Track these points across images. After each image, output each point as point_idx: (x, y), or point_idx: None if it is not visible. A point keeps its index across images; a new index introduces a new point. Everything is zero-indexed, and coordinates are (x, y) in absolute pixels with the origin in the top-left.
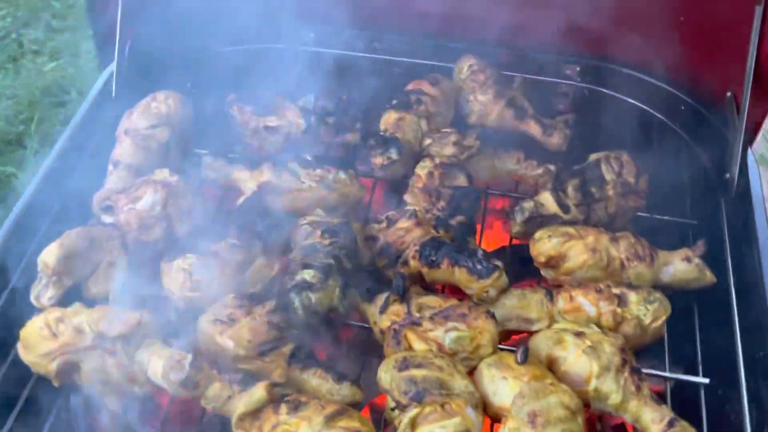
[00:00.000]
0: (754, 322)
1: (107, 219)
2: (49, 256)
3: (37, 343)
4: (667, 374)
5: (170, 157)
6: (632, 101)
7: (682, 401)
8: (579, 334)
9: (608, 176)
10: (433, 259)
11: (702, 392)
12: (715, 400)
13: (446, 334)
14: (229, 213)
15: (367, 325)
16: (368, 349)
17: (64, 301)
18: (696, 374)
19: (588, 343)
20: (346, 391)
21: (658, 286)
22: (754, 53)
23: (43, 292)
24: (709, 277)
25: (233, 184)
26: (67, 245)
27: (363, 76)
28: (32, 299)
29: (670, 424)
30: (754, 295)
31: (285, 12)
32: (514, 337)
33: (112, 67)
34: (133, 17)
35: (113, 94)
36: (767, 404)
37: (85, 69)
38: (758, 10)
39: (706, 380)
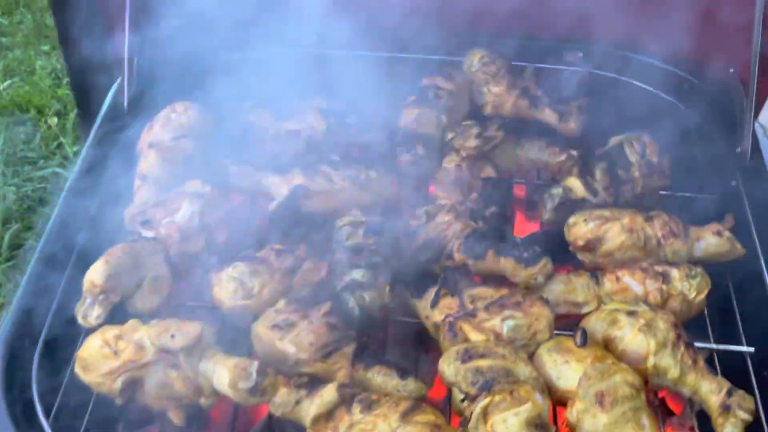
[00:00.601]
0: None
1: (147, 233)
2: (96, 274)
3: (98, 362)
4: (713, 346)
5: (195, 168)
6: (638, 84)
7: (729, 371)
8: (632, 314)
9: (632, 158)
10: (478, 250)
11: (748, 361)
12: (761, 367)
13: (503, 323)
14: (265, 219)
15: (416, 321)
16: (416, 344)
17: (111, 319)
18: (740, 344)
19: (642, 321)
20: (411, 386)
21: (691, 261)
22: (759, 31)
23: (89, 312)
24: (740, 249)
25: (263, 191)
26: (113, 262)
27: (372, 74)
28: (79, 319)
29: (729, 393)
30: None
31: (284, 15)
32: (562, 318)
33: (122, 82)
34: (140, 30)
35: (125, 109)
36: None
37: (42, 86)
38: None
39: (751, 349)
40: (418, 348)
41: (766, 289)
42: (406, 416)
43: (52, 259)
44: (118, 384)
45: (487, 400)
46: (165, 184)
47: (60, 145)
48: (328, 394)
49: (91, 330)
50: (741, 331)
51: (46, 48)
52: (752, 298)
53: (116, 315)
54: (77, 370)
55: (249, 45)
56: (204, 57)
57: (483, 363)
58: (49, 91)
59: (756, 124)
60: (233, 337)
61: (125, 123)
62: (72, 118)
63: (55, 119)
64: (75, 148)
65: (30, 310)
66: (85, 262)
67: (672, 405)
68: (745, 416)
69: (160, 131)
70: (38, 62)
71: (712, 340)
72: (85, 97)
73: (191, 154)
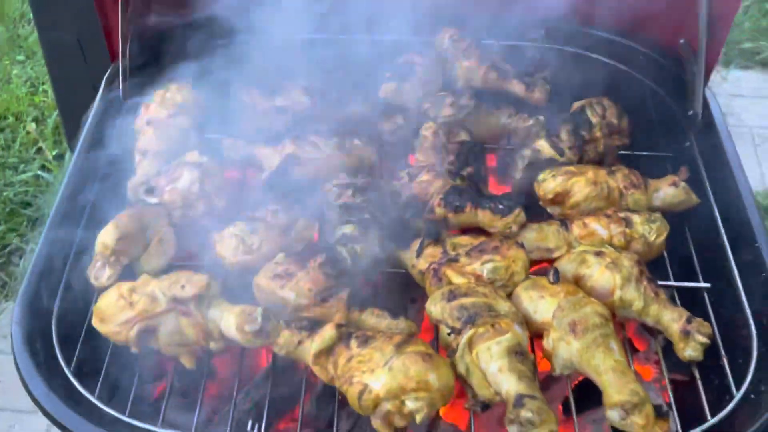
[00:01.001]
0: (737, 231)
1: (152, 200)
2: (107, 236)
3: (115, 313)
4: (673, 283)
5: (190, 143)
6: (596, 56)
7: (687, 306)
8: (599, 254)
9: (594, 119)
10: (458, 204)
11: (705, 296)
12: (716, 301)
13: (483, 266)
14: (259, 185)
15: (402, 271)
16: (403, 293)
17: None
18: (697, 281)
19: (608, 259)
20: (402, 325)
21: (651, 210)
22: (705, 4)
23: (101, 273)
24: (694, 198)
25: (255, 162)
26: (122, 226)
27: (350, 56)
28: (92, 280)
29: (688, 321)
30: (734, 209)
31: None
32: (538, 267)
33: (116, 67)
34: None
35: (121, 94)
36: (762, 298)
37: (18, 94)
38: None
39: (708, 284)
40: (404, 297)
41: (720, 233)
42: (399, 347)
43: (63, 226)
44: (134, 332)
45: (472, 332)
46: (164, 157)
47: (39, 150)
48: (328, 331)
49: (103, 290)
50: (698, 270)
51: (20, 58)
52: (707, 241)
53: (125, 276)
54: (94, 322)
55: (234, 32)
56: (194, 43)
57: (466, 301)
58: (26, 98)
59: (705, 89)
60: (235, 291)
61: (121, 105)
62: (50, 123)
63: (34, 125)
64: (55, 152)
65: (46, 273)
66: (92, 231)
67: (637, 344)
68: (704, 339)
69: (157, 110)
70: (14, 71)
71: (672, 278)
72: (68, 100)
73: (186, 129)
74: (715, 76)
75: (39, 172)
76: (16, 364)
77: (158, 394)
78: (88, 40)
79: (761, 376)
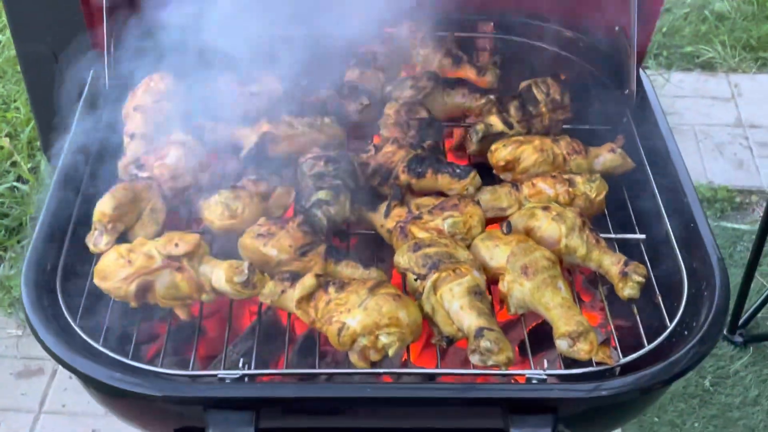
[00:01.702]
0: (669, 188)
1: (143, 174)
2: (105, 205)
3: (115, 270)
4: (612, 235)
5: (173, 126)
6: (540, 44)
7: (626, 255)
8: (546, 208)
9: (539, 96)
10: (420, 170)
11: (642, 246)
12: (651, 250)
13: (444, 221)
14: (239, 160)
15: (371, 232)
16: (371, 252)
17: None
18: (634, 233)
19: (554, 213)
20: (374, 274)
21: (592, 173)
22: None
23: (99, 240)
24: (630, 163)
25: (234, 142)
26: (117, 196)
27: (317, 49)
28: (91, 247)
29: (626, 264)
30: (665, 170)
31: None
32: (493, 226)
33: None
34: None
35: (106, 86)
36: (691, 246)
37: None
38: None
39: (643, 236)
40: (373, 257)
41: (654, 193)
42: (372, 290)
43: (61, 202)
44: (132, 287)
45: (436, 276)
46: (150, 139)
47: (14, 164)
48: (308, 280)
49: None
50: (634, 223)
51: None
52: (642, 200)
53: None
54: (96, 280)
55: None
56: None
57: (430, 250)
58: None
59: (639, 70)
60: (220, 253)
61: (106, 97)
62: (24, 138)
63: (7, 140)
64: (29, 165)
65: (49, 240)
66: (87, 206)
67: (583, 296)
68: (640, 279)
69: (142, 96)
70: None
71: (612, 232)
72: (44, 111)
73: (170, 114)
74: (658, 79)
75: (15, 184)
76: (28, 321)
77: (154, 352)
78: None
79: (690, 311)
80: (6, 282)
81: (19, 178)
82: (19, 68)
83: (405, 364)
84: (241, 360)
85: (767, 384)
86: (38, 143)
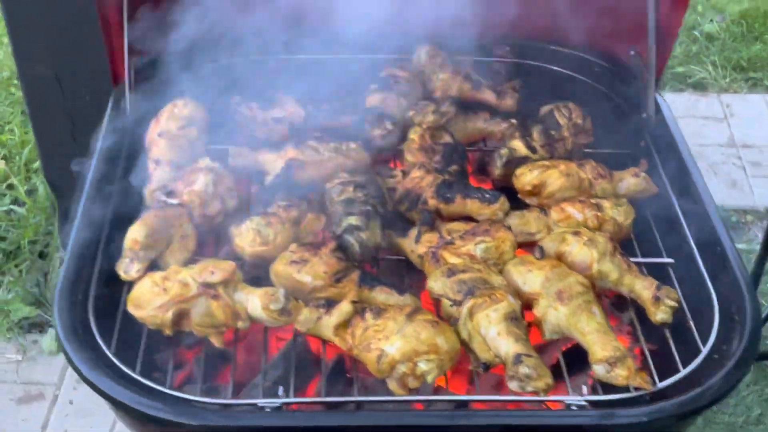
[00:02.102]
0: (693, 212)
1: (173, 201)
2: (137, 233)
3: (150, 298)
4: (641, 260)
5: (198, 152)
6: (557, 68)
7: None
8: (576, 233)
9: (562, 120)
10: (449, 195)
11: (670, 270)
12: (680, 274)
13: (476, 247)
14: (266, 186)
15: (401, 257)
16: (401, 276)
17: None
18: (661, 257)
19: (586, 237)
20: (408, 299)
21: (617, 198)
22: (654, 16)
23: (130, 267)
24: (654, 187)
25: (259, 167)
26: (149, 223)
27: (335, 73)
28: (121, 274)
29: (658, 288)
30: (688, 194)
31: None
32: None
33: (122, 88)
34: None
35: (127, 111)
36: (719, 269)
37: None
38: None
39: (671, 260)
40: (402, 281)
41: (678, 216)
42: (410, 316)
43: (89, 229)
44: (168, 315)
45: (472, 302)
46: (176, 165)
47: (11, 186)
48: (345, 306)
49: (133, 283)
50: (662, 248)
51: None
52: (667, 224)
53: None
54: (130, 308)
55: (224, 53)
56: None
57: (465, 276)
58: None
59: (656, 93)
60: (250, 280)
61: (127, 123)
62: (19, 161)
63: (3, 162)
64: (26, 187)
65: (79, 270)
66: (117, 232)
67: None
68: (672, 303)
69: (166, 123)
70: None
71: (639, 256)
72: (46, 134)
73: (194, 140)
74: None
75: (11, 207)
76: (65, 352)
77: (183, 378)
78: (67, 75)
79: (722, 335)
80: (4, 306)
81: (15, 201)
82: (11, 90)
83: (437, 390)
84: (280, 389)
85: None
86: (34, 165)
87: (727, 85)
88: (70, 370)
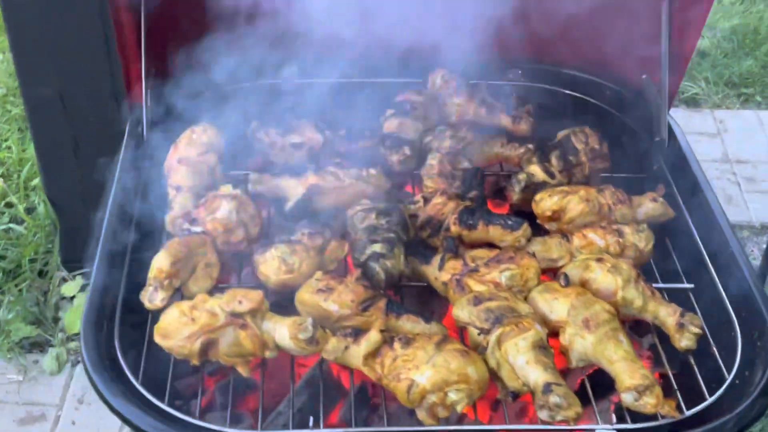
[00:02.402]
0: (711, 236)
1: (196, 229)
2: (162, 262)
3: (178, 328)
4: (661, 285)
5: (218, 178)
6: (568, 92)
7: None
8: (600, 260)
9: (579, 146)
10: (471, 222)
11: (691, 295)
12: (700, 299)
13: (501, 274)
14: (286, 212)
15: (423, 284)
16: (424, 303)
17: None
18: (682, 283)
19: (609, 264)
20: (435, 328)
21: (637, 223)
22: (666, 41)
23: (154, 296)
24: (671, 212)
25: (280, 193)
26: (173, 252)
27: (349, 97)
28: (146, 303)
29: (682, 315)
30: (705, 218)
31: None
32: (545, 277)
33: (139, 113)
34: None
35: (144, 137)
36: (739, 295)
37: None
38: (665, 6)
39: (691, 285)
40: (425, 308)
41: (696, 241)
42: (439, 346)
43: (111, 258)
44: (197, 345)
45: (500, 330)
46: (196, 191)
47: (9, 204)
48: (374, 335)
49: (157, 312)
50: (681, 273)
51: None
52: (685, 248)
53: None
54: (157, 339)
55: (237, 79)
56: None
57: (491, 304)
58: None
59: (668, 117)
60: (273, 308)
61: (145, 148)
62: (17, 179)
63: (1, 180)
64: (25, 205)
65: (102, 299)
66: (138, 260)
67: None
68: (697, 330)
69: (185, 149)
70: None
71: (660, 281)
72: (49, 153)
73: (213, 166)
74: None
75: (11, 225)
76: (93, 383)
77: (204, 407)
78: (70, 94)
79: (746, 361)
80: (5, 326)
81: (13, 219)
82: (7, 107)
83: (461, 419)
84: (311, 419)
85: None
86: (33, 183)
87: (720, 100)
88: (72, 390)
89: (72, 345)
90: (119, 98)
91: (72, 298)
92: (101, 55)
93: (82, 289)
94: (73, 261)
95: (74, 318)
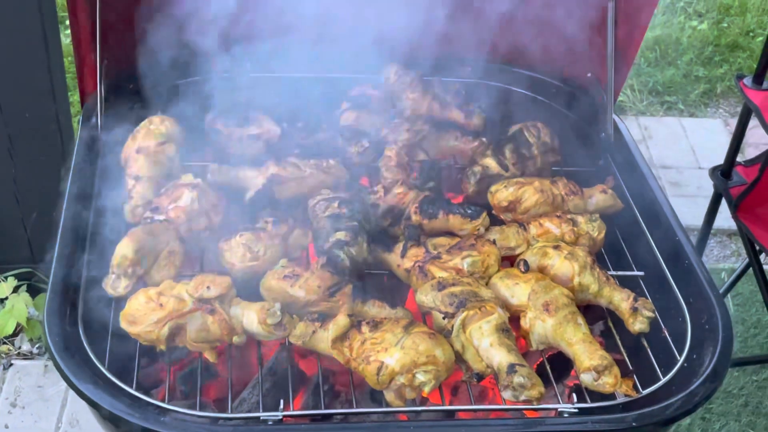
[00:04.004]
0: (658, 227)
1: (158, 217)
2: (126, 249)
3: (145, 314)
4: (613, 272)
5: (177, 168)
6: (518, 89)
7: None
8: (557, 247)
9: (531, 139)
10: (431, 211)
11: (641, 282)
12: (650, 286)
13: (464, 261)
14: (247, 203)
15: (385, 271)
16: (385, 291)
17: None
18: (632, 270)
19: (566, 251)
20: (401, 313)
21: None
22: (612, 41)
23: (117, 284)
24: (620, 203)
25: (239, 184)
26: (136, 239)
27: (304, 92)
28: (109, 291)
29: (635, 299)
30: (652, 210)
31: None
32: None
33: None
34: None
35: (99, 128)
36: (686, 282)
37: None
38: (611, 6)
39: (641, 273)
40: (386, 294)
41: (643, 230)
42: (407, 329)
43: (72, 245)
44: (165, 330)
45: (464, 314)
46: (157, 181)
47: None
48: (342, 319)
49: (120, 300)
50: (630, 262)
51: None
52: (634, 238)
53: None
54: (123, 325)
55: (193, 73)
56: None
57: (455, 289)
58: None
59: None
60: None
61: (101, 139)
62: None
63: None
64: None
65: (65, 286)
66: (98, 248)
67: None
68: (649, 314)
69: (144, 139)
70: None
71: (611, 269)
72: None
73: (172, 157)
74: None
75: None
76: (59, 368)
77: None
78: (4, 92)
79: (696, 343)
80: None
81: None
82: None
83: (423, 403)
84: (281, 402)
85: None
86: None
87: (645, 108)
88: (4, 393)
89: (3, 348)
90: (57, 96)
91: (3, 300)
92: (38, 51)
93: (15, 290)
94: (6, 262)
95: (6, 320)
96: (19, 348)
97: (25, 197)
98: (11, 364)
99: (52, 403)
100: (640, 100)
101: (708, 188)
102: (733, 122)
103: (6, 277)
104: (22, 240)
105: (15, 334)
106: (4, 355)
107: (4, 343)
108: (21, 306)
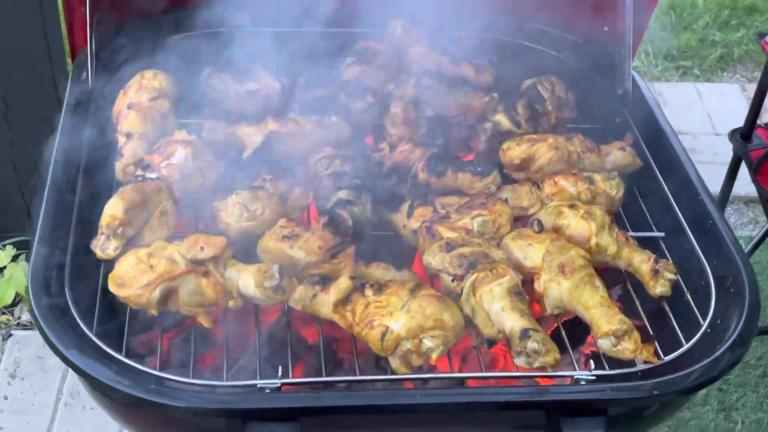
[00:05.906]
0: (679, 185)
1: (150, 175)
2: (115, 208)
3: (135, 276)
4: (633, 234)
5: (170, 125)
6: (531, 45)
7: None
8: (572, 206)
9: (545, 94)
10: (439, 169)
11: (661, 243)
12: (671, 248)
13: (473, 221)
14: (245, 160)
15: (390, 232)
16: (390, 254)
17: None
18: (652, 231)
19: (582, 210)
20: (407, 275)
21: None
22: None
23: (106, 245)
24: (639, 161)
25: (237, 142)
26: (127, 198)
27: (308, 47)
28: (98, 253)
29: (656, 261)
30: (672, 168)
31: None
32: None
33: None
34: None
35: (89, 83)
36: (711, 244)
37: None
38: None
39: (662, 234)
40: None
41: (664, 189)
42: (413, 291)
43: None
44: (156, 294)
45: (474, 276)
46: (149, 138)
47: None
48: (344, 282)
49: (110, 263)
50: (650, 222)
51: None
52: (654, 197)
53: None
54: (112, 288)
55: (191, 27)
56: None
57: (465, 250)
58: None
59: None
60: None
61: (91, 94)
62: None
63: None
64: None
65: (49, 251)
66: (87, 209)
67: None
68: (671, 276)
69: (136, 95)
70: None
71: (630, 230)
72: None
73: (166, 113)
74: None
75: None
76: (45, 337)
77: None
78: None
79: (721, 308)
80: None
81: None
82: None
83: (430, 370)
84: (280, 369)
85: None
86: None
87: (659, 73)
88: (3, 364)
89: (2, 318)
90: (53, 58)
91: (2, 269)
92: (33, 11)
93: (14, 259)
94: (4, 230)
95: (5, 289)
96: (19, 318)
97: (22, 163)
98: (11, 335)
99: (52, 374)
100: (654, 65)
101: (724, 155)
102: (751, 87)
103: (4, 246)
104: (20, 207)
105: (14, 303)
106: (3, 326)
107: (3, 313)
108: (20, 275)
